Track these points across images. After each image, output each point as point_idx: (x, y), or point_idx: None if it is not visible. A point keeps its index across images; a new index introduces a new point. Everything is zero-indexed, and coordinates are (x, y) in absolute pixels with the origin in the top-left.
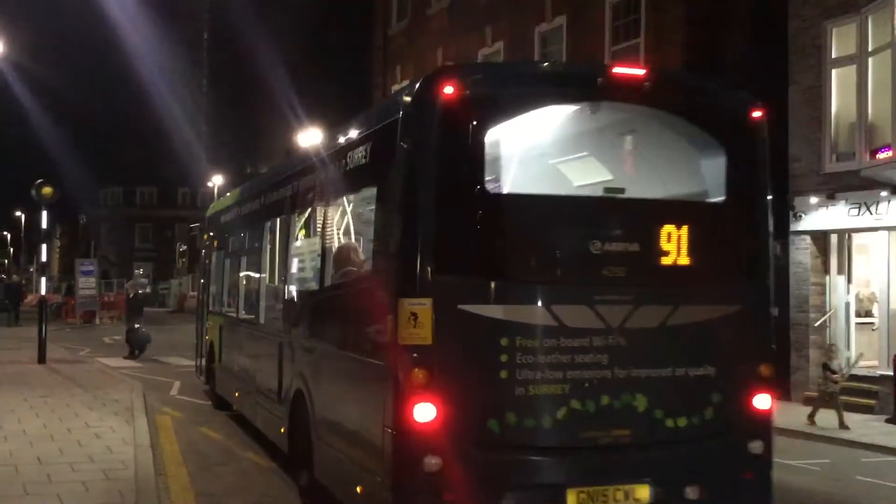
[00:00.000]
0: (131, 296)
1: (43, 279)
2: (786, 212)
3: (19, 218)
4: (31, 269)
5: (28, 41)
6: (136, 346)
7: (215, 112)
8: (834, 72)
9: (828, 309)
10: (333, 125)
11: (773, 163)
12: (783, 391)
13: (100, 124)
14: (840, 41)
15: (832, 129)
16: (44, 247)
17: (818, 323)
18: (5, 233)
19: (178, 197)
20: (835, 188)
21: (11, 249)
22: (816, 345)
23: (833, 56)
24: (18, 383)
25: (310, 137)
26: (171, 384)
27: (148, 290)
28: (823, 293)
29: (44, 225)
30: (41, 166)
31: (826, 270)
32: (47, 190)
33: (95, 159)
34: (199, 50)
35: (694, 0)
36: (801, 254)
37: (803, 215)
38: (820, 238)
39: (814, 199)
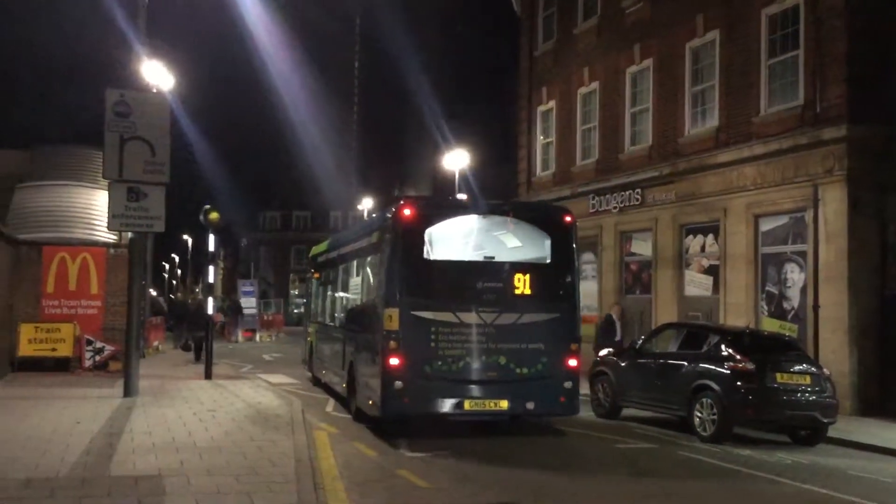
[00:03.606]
0: (194, 309)
1: (210, 299)
2: None
3: (186, 241)
4: (197, 290)
5: (189, 76)
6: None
7: (365, 138)
8: None
9: None
10: (476, 145)
11: None
12: None
13: (259, 154)
14: None
15: None
16: (210, 268)
17: None
18: (173, 255)
19: (330, 220)
20: None
21: (179, 271)
22: None
23: None
24: (189, 398)
25: (456, 159)
26: (326, 401)
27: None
28: None
29: (210, 248)
30: (207, 193)
31: None
32: (214, 215)
33: (255, 187)
34: (349, 77)
35: (859, 9)
36: None
37: None
38: None
39: None
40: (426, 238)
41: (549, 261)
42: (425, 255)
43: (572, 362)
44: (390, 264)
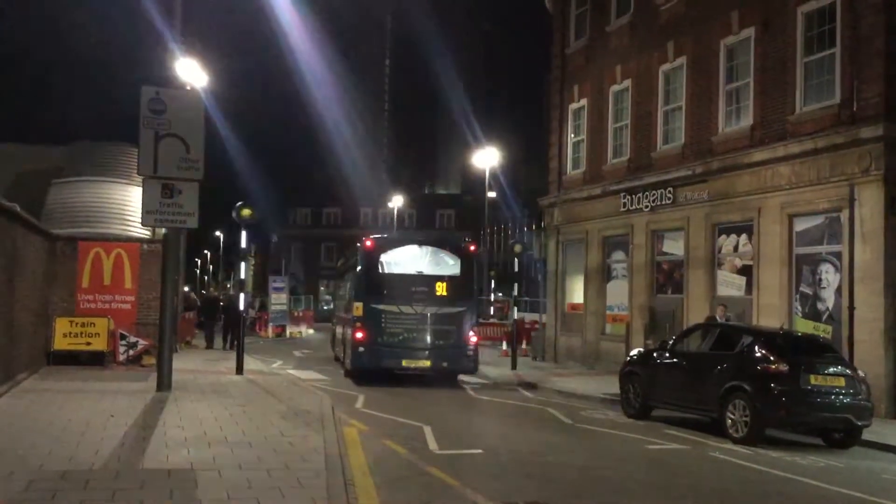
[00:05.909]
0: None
1: (242, 295)
2: None
3: (218, 238)
4: (228, 286)
5: (223, 75)
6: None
7: (395, 136)
8: None
9: None
10: (507, 144)
11: None
12: None
13: (290, 151)
14: None
15: None
16: (242, 265)
17: None
18: (205, 251)
19: (360, 217)
20: None
21: (211, 267)
22: None
23: None
24: (220, 393)
25: (486, 157)
26: (356, 397)
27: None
28: None
29: (243, 244)
30: (239, 190)
31: None
32: (246, 211)
33: (286, 184)
34: (380, 75)
35: None
36: None
37: None
38: None
39: None
40: (381, 260)
41: (458, 274)
42: (380, 270)
43: (473, 339)
44: (359, 275)
